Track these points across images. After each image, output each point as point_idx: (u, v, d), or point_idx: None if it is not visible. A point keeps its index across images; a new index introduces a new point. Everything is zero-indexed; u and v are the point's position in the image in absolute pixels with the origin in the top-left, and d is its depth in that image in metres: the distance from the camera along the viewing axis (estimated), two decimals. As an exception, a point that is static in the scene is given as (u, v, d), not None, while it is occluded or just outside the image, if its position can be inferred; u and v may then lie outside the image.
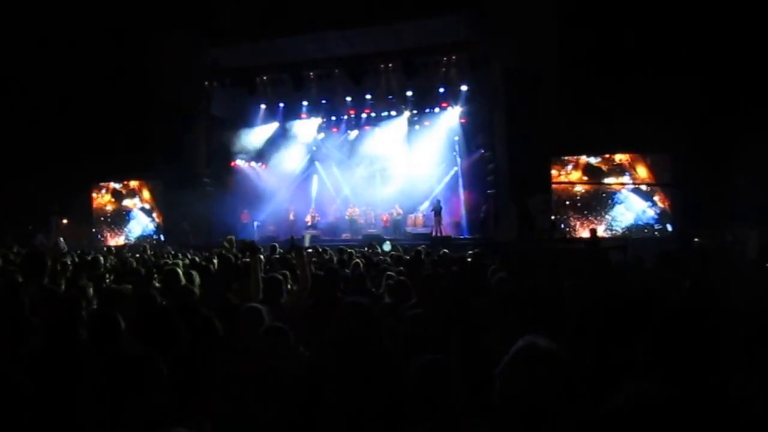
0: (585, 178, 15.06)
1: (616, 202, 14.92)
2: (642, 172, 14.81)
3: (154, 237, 18.28)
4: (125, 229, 18.84)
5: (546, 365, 1.55)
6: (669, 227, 14.46)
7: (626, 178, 14.85)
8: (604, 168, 15.10)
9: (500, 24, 13.52)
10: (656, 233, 14.51)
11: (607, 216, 14.95)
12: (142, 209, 18.89)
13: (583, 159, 15.14)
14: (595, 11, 12.73)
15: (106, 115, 16.27)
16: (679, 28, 12.35)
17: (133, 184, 19.05)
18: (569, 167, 15.20)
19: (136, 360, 1.93)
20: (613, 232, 14.75)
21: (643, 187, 14.66)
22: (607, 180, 15.00)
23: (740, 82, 12.03)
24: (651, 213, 14.68)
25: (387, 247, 9.54)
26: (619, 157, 14.96)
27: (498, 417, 1.60)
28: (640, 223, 14.70)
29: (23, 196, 15.86)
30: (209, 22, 15.26)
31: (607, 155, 15.03)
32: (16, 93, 15.81)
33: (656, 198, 14.69)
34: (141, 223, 18.80)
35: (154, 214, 18.70)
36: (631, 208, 14.78)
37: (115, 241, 18.29)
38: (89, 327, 2.85)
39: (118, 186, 19.08)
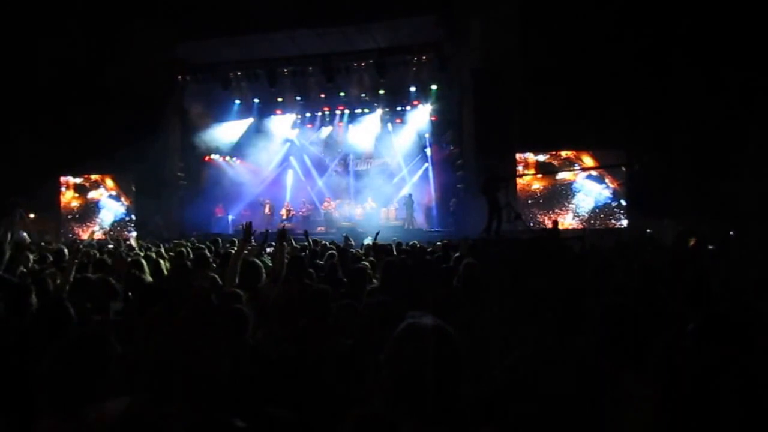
0: (539, 175, 15.92)
1: (576, 191, 15.86)
2: (588, 161, 15.87)
3: (127, 219, 18.40)
4: (97, 219, 18.85)
5: (428, 343, 1.53)
6: (623, 202, 15.62)
7: (576, 168, 15.87)
8: (556, 163, 16.00)
9: (467, 26, 14.15)
10: (615, 209, 15.62)
11: (570, 205, 15.88)
12: (110, 197, 18.91)
13: (532, 158, 16.02)
14: (557, 13, 13.39)
15: (76, 109, 16.18)
16: (638, 26, 13.09)
17: (95, 176, 18.99)
18: (520, 167, 16.02)
19: (85, 340, 1.92)
20: (580, 217, 15.72)
21: (594, 172, 15.73)
22: (562, 172, 15.94)
23: (698, 80, 12.85)
24: (607, 193, 15.76)
25: (368, 241, 9.91)
26: (565, 153, 15.92)
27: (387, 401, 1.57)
28: (600, 204, 15.74)
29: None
30: (182, 16, 15.36)
31: (553, 152, 15.98)
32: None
33: (607, 180, 15.76)
34: (111, 210, 18.84)
35: (122, 198, 18.75)
36: (590, 194, 15.80)
37: (89, 234, 18.32)
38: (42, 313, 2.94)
39: (79, 180, 19.01)
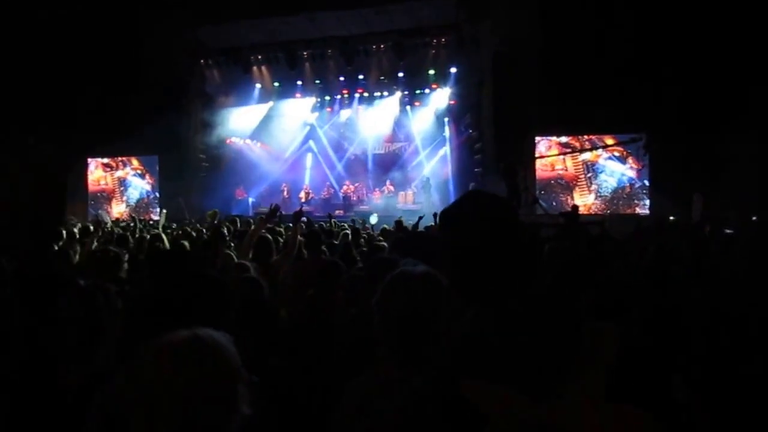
0: (561, 157, 15.80)
1: (599, 172, 15.77)
2: (609, 141, 15.74)
3: (151, 196, 18.98)
4: (125, 197, 19.41)
5: (417, 287, 1.56)
6: (646, 182, 15.52)
7: (599, 151, 15.71)
8: (578, 144, 15.88)
9: (487, 7, 13.98)
10: (639, 190, 15.57)
11: (593, 186, 15.81)
12: (134, 175, 19.50)
13: (554, 139, 15.91)
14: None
15: (100, 91, 16.49)
16: (663, 12, 12.81)
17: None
18: (542, 149, 15.94)
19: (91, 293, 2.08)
20: (603, 197, 15.72)
21: (616, 153, 15.57)
22: (584, 153, 15.82)
23: (721, 66, 12.55)
24: (630, 173, 15.65)
25: (374, 220, 10.04)
26: (587, 135, 15.81)
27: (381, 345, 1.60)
28: (623, 184, 15.67)
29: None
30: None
31: (575, 135, 15.84)
32: (5, 70, 15.98)
33: (630, 161, 15.63)
34: (137, 187, 19.40)
35: (147, 177, 19.27)
36: (613, 174, 15.71)
37: (118, 210, 18.89)
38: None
39: (106, 160, 19.60)
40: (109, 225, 9.17)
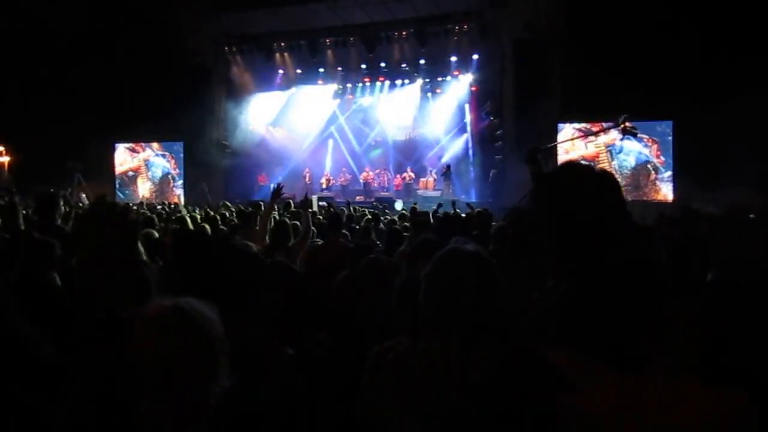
0: (574, 142, 15.72)
1: (618, 152, 15.72)
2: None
3: (170, 174, 19.53)
4: (149, 175, 20.01)
5: (468, 265, 1.59)
6: (662, 158, 15.49)
7: (615, 133, 15.56)
8: (595, 129, 15.80)
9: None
10: (660, 166, 15.52)
11: (614, 166, 15.79)
12: (156, 155, 20.09)
13: (569, 125, 15.87)
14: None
15: (126, 78, 16.83)
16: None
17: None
18: (561, 136, 15.90)
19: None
20: (624, 175, 15.69)
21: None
22: (599, 136, 15.76)
23: (744, 50, 12.34)
24: (647, 151, 15.58)
25: (399, 206, 10.17)
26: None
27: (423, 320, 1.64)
28: (641, 160, 15.66)
29: (45, 155, 16.57)
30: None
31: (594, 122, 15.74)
32: (34, 56, 16.35)
33: (645, 139, 15.56)
34: (159, 166, 19.95)
35: (168, 157, 19.80)
36: (631, 153, 15.70)
37: (144, 188, 19.64)
38: None
39: (130, 145, 20.19)
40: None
